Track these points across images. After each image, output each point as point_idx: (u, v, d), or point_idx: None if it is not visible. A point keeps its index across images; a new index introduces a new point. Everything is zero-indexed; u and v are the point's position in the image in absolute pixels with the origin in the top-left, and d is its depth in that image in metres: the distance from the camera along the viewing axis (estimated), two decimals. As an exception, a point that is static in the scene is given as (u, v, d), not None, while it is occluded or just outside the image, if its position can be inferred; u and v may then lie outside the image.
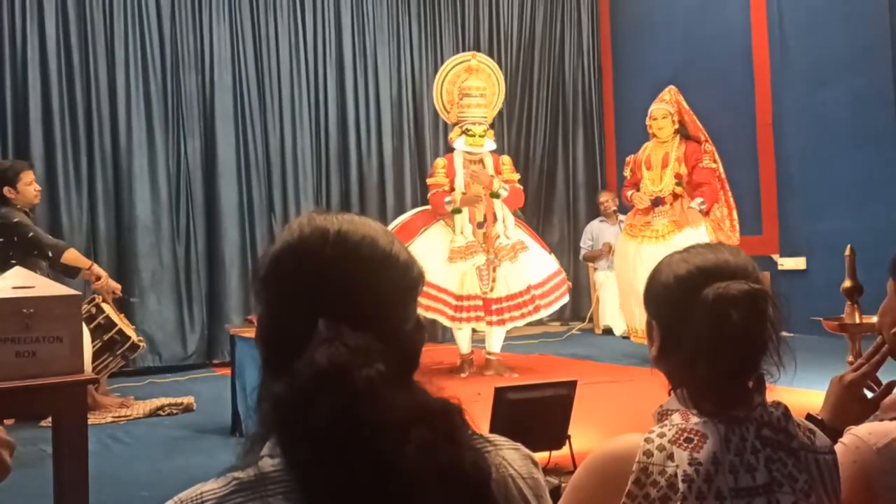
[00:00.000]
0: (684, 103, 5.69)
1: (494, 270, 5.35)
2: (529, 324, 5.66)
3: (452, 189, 5.39)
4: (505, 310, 5.36)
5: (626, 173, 5.94)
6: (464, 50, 8.03)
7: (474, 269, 5.30)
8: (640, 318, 5.56)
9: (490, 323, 5.36)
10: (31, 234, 4.55)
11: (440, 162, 5.60)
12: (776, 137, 7.06)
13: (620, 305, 6.22)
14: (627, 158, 6.04)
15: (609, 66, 8.83)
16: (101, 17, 6.58)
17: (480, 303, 5.34)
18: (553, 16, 8.64)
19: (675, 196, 5.58)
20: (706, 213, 5.60)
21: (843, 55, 6.47)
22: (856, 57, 6.39)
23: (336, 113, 7.50)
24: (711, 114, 7.23)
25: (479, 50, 8.17)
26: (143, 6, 6.73)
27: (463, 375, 5.26)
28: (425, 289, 4.92)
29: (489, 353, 5.46)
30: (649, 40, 8.23)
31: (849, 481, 1.25)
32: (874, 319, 2.62)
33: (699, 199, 5.54)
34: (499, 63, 8.30)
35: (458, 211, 5.34)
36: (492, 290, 5.35)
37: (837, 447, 1.32)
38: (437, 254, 5.24)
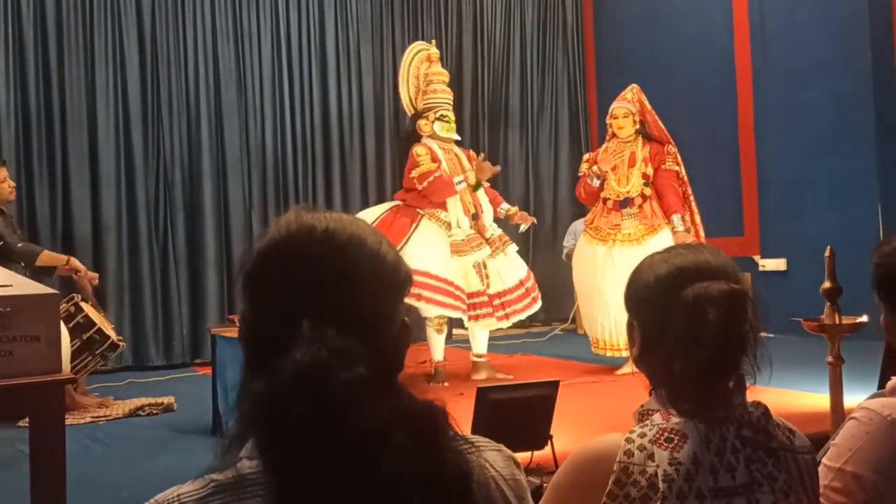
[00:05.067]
0: (647, 103, 5.48)
1: (485, 267, 5.19)
2: (514, 324, 5.49)
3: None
4: (507, 304, 5.19)
5: (584, 169, 5.57)
6: (447, 49, 8.03)
7: (472, 266, 5.12)
8: (601, 326, 5.31)
9: (499, 318, 5.18)
10: (1, 243, 4.52)
11: (421, 150, 5.21)
12: (757, 139, 7.11)
13: (583, 316, 5.83)
14: (586, 155, 5.80)
15: (592, 66, 8.86)
16: (78, 13, 6.52)
17: (486, 299, 5.16)
18: (537, 15, 8.65)
19: (644, 197, 5.34)
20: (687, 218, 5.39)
21: (824, 57, 6.53)
22: (836, 59, 6.45)
23: (319, 111, 7.47)
24: (693, 115, 7.29)
25: (461, 49, 8.20)
26: (122, 2, 6.67)
27: (446, 384, 4.97)
28: (439, 284, 4.75)
29: (477, 356, 5.30)
30: (632, 41, 8.27)
31: (861, 452, 1.28)
32: (853, 320, 2.65)
33: (678, 217, 5.28)
34: (482, 62, 8.34)
35: (478, 186, 5.12)
36: (488, 286, 5.19)
37: (850, 422, 1.34)
38: (438, 250, 5.00)
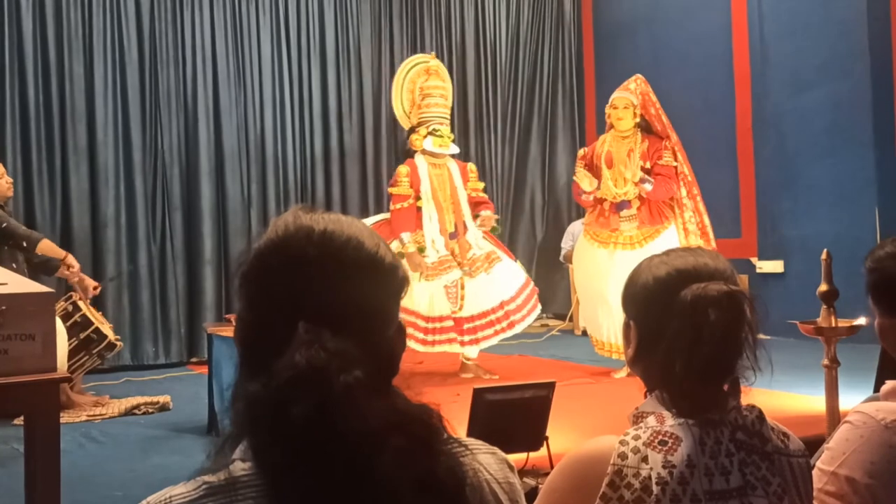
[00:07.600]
0: (651, 95, 5.27)
1: (463, 287, 5.04)
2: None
3: (418, 198, 5.06)
4: (478, 329, 5.06)
5: (579, 167, 5.36)
6: (448, 49, 8.04)
7: (442, 287, 5.00)
8: (606, 329, 5.24)
9: (463, 344, 5.06)
10: (5, 224, 4.52)
11: (403, 170, 5.12)
12: (756, 141, 7.11)
13: (584, 318, 5.77)
14: (580, 152, 5.54)
15: (591, 68, 8.86)
16: (78, 10, 6.50)
17: (452, 323, 5.02)
18: (536, 17, 8.65)
19: (642, 199, 5.15)
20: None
21: (823, 60, 6.53)
22: (835, 62, 6.46)
23: (318, 110, 7.47)
24: (692, 117, 7.28)
25: (463, 50, 8.21)
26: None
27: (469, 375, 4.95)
28: None
29: (466, 358, 5.29)
30: (631, 44, 8.27)
31: (855, 456, 1.28)
32: (850, 323, 2.65)
33: (650, 181, 5.09)
34: (483, 63, 8.34)
35: (400, 255, 4.87)
36: (461, 308, 5.04)
37: (844, 426, 1.35)
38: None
